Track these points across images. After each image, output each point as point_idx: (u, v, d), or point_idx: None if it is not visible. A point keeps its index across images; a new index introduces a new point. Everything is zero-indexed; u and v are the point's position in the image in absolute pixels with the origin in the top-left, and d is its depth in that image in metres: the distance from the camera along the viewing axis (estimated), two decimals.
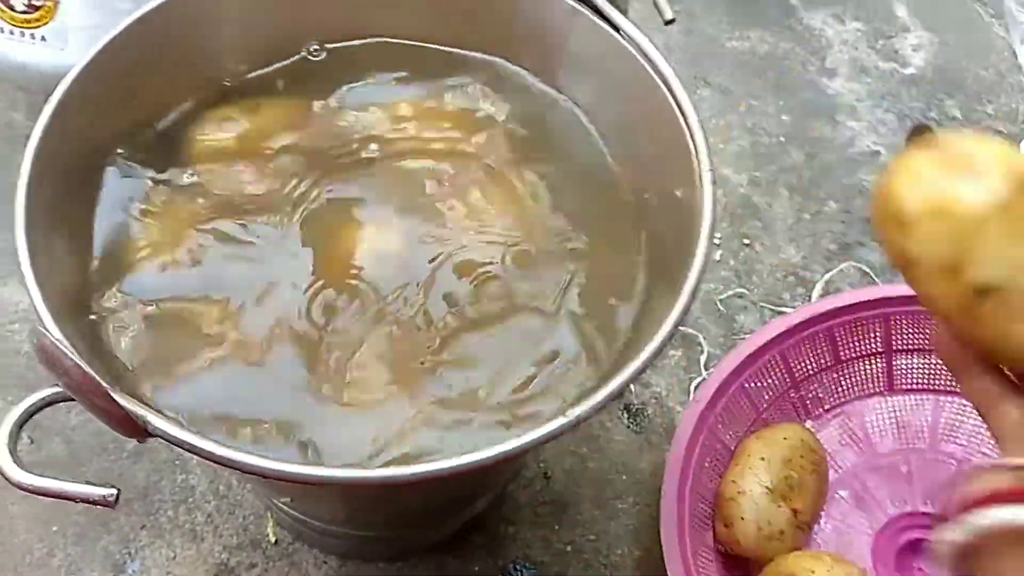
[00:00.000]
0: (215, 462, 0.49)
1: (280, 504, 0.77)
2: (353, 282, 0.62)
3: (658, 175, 0.65)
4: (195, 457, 0.82)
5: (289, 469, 0.49)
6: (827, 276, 0.94)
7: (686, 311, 0.55)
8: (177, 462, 0.84)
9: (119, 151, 0.65)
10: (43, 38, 0.84)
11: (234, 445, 0.52)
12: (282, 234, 0.64)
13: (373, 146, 0.68)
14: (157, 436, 0.50)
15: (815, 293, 0.92)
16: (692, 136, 0.61)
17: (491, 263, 0.63)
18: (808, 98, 1.08)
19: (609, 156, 0.69)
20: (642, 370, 0.52)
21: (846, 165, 1.02)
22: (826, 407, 0.84)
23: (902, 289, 0.81)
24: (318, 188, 0.66)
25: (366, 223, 0.64)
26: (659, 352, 0.53)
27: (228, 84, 0.70)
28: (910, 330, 0.82)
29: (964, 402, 0.83)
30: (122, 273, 0.61)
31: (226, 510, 0.83)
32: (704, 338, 0.90)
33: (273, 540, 0.81)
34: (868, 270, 0.94)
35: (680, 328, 0.88)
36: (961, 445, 0.82)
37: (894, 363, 0.84)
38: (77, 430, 0.85)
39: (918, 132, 1.06)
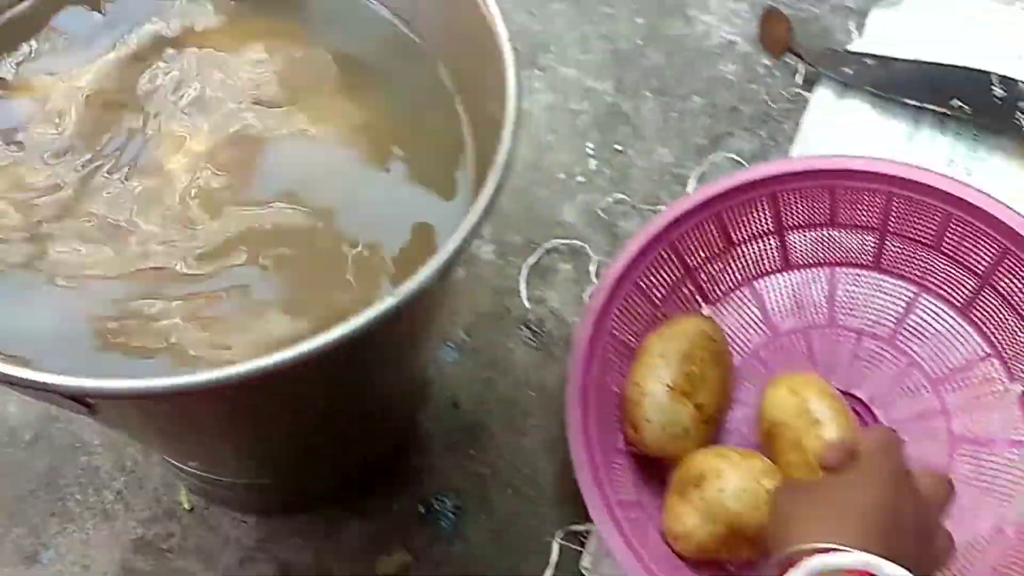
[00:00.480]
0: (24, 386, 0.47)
1: (189, 468, 0.76)
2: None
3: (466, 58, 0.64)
4: (96, 436, 0.82)
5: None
6: (700, 170, 0.95)
7: (505, 169, 0.53)
8: (78, 445, 0.83)
9: None
10: None
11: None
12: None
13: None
14: None
15: (690, 187, 0.93)
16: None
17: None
18: None
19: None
20: (469, 239, 0.50)
21: (705, 59, 1.03)
22: (724, 289, 0.85)
23: (785, 166, 0.82)
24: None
25: None
26: (486, 212, 0.51)
27: None
28: (799, 206, 0.83)
29: (858, 273, 0.84)
30: None
31: (135, 485, 0.82)
32: (591, 248, 0.91)
33: (188, 507, 0.81)
34: (739, 159, 0.95)
35: (566, 241, 0.90)
36: (857, 318, 0.84)
37: (787, 239, 0.84)
38: None
39: (770, 16, 1.08)
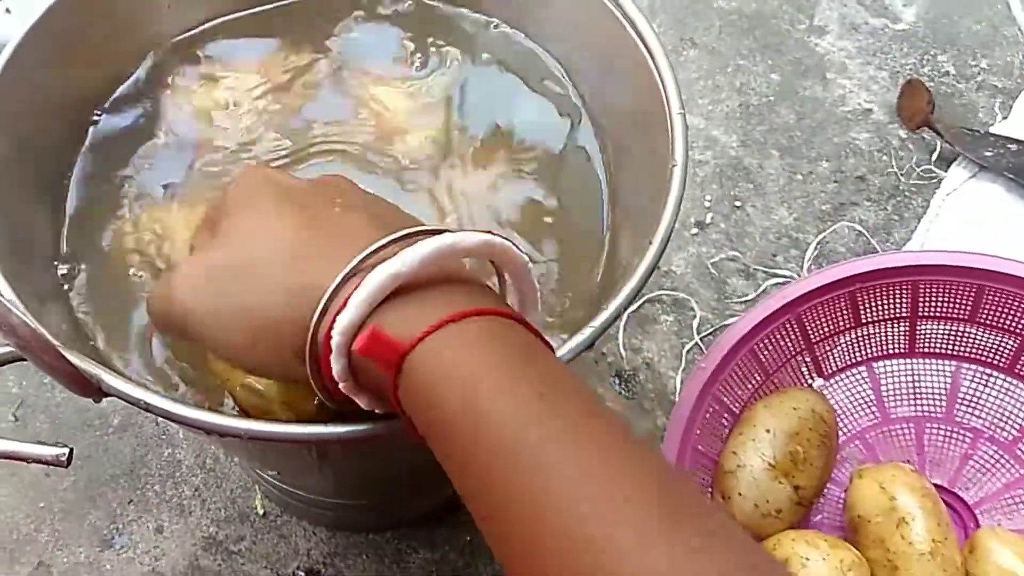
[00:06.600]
0: (172, 420, 0.48)
1: (268, 476, 0.76)
2: None
3: (629, 121, 0.64)
4: (180, 431, 0.83)
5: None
6: (820, 237, 0.92)
7: (660, 254, 0.53)
8: (163, 436, 0.83)
9: (95, 116, 0.65)
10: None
11: (186, 402, 0.51)
12: None
13: None
14: (112, 395, 0.49)
15: (808, 254, 0.91)
16: (661, 77, 0.59)
17: None
18: (797, 57, 1.06)
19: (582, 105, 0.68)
20: (618, 314, 0.51)
21: (838, 124, 1.01)
22: (840, 366, 0.81)
23: (930, 257, 0.78)
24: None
25: None
26: (635, 293, 0.52)
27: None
28: (940, 298, 0.79)
29: (988, 371, 0.80)
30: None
31: (213, 483, 0.82)
32: (696, 302, 0.89)
33: (261, 512, 0.81)
34: (862, 230, 0.93)
35: (671, 293, 0.88)
36: (978, 418, 0.79)
37: (918, 328, 0.80)
38: (62, 407, 0.84)
39: (911, 88, 1.04)
